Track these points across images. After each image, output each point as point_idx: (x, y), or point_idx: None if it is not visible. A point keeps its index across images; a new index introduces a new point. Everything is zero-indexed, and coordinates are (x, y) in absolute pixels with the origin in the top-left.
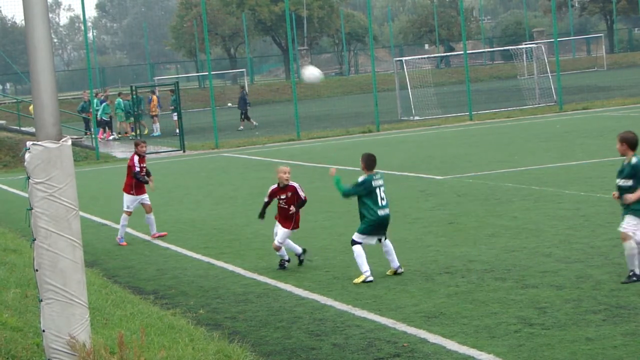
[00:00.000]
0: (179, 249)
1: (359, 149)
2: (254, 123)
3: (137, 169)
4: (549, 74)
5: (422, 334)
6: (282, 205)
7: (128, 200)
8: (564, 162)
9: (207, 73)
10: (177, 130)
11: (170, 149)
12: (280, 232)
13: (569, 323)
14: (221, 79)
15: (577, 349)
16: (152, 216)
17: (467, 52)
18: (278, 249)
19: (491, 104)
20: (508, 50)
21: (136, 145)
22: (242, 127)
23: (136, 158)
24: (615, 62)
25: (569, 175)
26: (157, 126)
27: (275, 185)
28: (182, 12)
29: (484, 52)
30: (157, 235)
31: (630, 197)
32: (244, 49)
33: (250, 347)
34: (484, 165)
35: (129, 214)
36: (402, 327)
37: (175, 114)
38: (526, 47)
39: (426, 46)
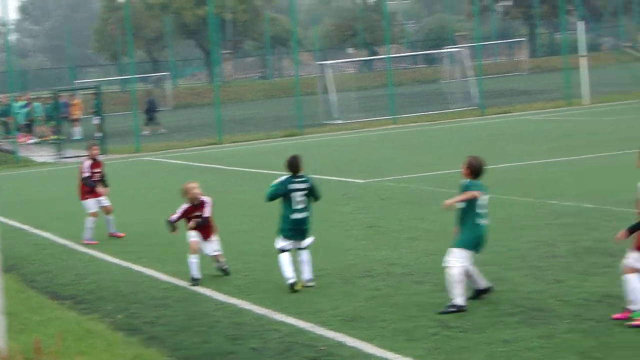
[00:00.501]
0: (98, 254)
1: (282, 152)
2: (145, 132)
3: (87, 174)
4: (472, 78)
5: (341, 337)
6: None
7: (88, 204)
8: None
9: (129, 76)
10: (99, 134)
11: None
12: (214, 244)
13: (486, 325)
14: (144, 83)
15: (494, 351)
16: (111, 217)
17: (391, 56)
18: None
19: (414, 108)
20: (431, 54)
21: (88, 148)
22: (147, 132)
23: (87, 163)
24: (537, 66)
25: (490, 178)
26: (78, 130)
27: (188, 205)
28: (105, 15)
29: (407, 55)
30: (88, 241)
31: (448, 201)
32: (167, 53)
33: (168, 352)
34: (407, 169)
35: (94, 214)
36: (320, 330)
37: (97, 117)
38: (449, 51)
39: (350, 50)
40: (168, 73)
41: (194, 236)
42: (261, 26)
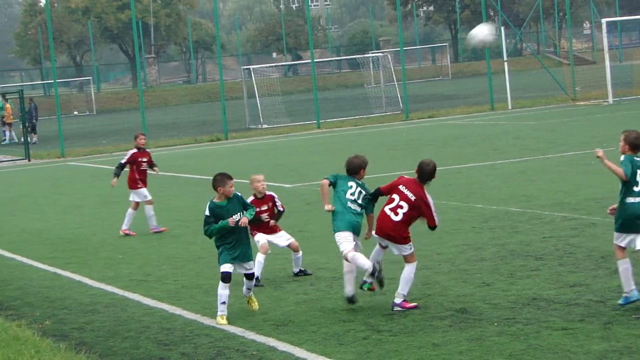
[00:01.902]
0: (25, 259)
1: (208, 157)
2: (34, 140)
3: (123, 161)
4: (395, 83)
5: (271, 342)
6: (264, 219)
7: (131, 194)
8: (410, 170)
9: (52, 81)
10: (22, 139)
11: (15, 157)
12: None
13: (416, 329)
14: (67, 87)
15: (424, 355)
16: (151, 212)
17: (315, 60)
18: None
19: (339, 112)
20: (355, 59)
21: (135, 138)
22: (35, 140)
23: (130, 152)
24: (459, 71)
25: None
26: (12, 134)
27: (252, 197)
28: (26, 19)
29: (331, 60)
30: (156, 230)
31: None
32: (90, 57)
33: (98, 358)
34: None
35: (151, 202)
36: (251, 335)
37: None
38: (373, 56)
39: (274, 55)
40: (91, 77)
41: (262, 239)
42: (184, 31)
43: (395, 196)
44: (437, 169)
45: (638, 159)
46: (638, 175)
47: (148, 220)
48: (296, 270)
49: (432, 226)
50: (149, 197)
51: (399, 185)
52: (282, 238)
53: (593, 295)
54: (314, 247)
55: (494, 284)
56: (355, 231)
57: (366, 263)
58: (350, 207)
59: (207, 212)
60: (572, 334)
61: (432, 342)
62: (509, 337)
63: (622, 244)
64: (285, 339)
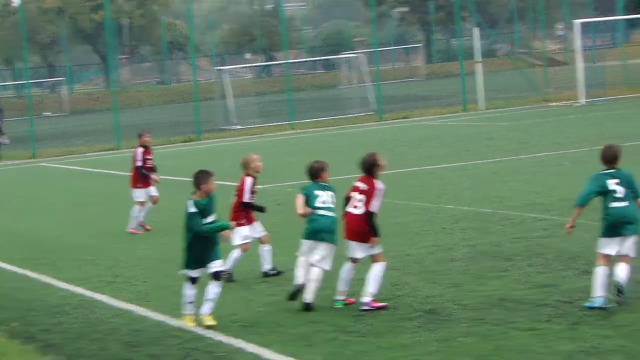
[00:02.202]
0: None
1: (181, 158)
2: (6, 141)
3: (139, 163)
4: (369, 83)
5: (239, 343)
6: (253, 202)
7: (136, 193)
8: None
9: (24, 81)
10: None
11: None
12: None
13: (384, 330)
14: (39, 88)
15: (393, 356)
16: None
17: (288, 61)
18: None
19: (313, 113)
20: (329, 59)
21: (139, 136)
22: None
23: (139, 150)
24: (433, 72)
25: (387, 183)
26: None
27: (252, 178)
28: None
29: (305, 61)
30: (133, 230)
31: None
32: (62, 58)
33: None
34: (304, 174)
35: (142, 204)
36: (219, 337)
37: None
38: (347, 57)
39: (248, 55)
40: (64, 78)
41: (248, 238)
42: (158, 31)
43: (353, 193)
44: (376, 158)
45: (612, 170)
46: (612, 185)
47: (130, 219)
48: (268, 267)
49: (369, 211)
50: (143, 199)
51: (355, 183)
52: (258, 229)
53: (561, 296)
54: (283, 248)
55: (463, 285)
56: (327, 236)
57: (300, 278)
58: (322, 214)
59: (193, 209)
60: (540, 335)
61: (400, 343)
62: (477, 337)
63: (612, 252)
64: (253, 340)
